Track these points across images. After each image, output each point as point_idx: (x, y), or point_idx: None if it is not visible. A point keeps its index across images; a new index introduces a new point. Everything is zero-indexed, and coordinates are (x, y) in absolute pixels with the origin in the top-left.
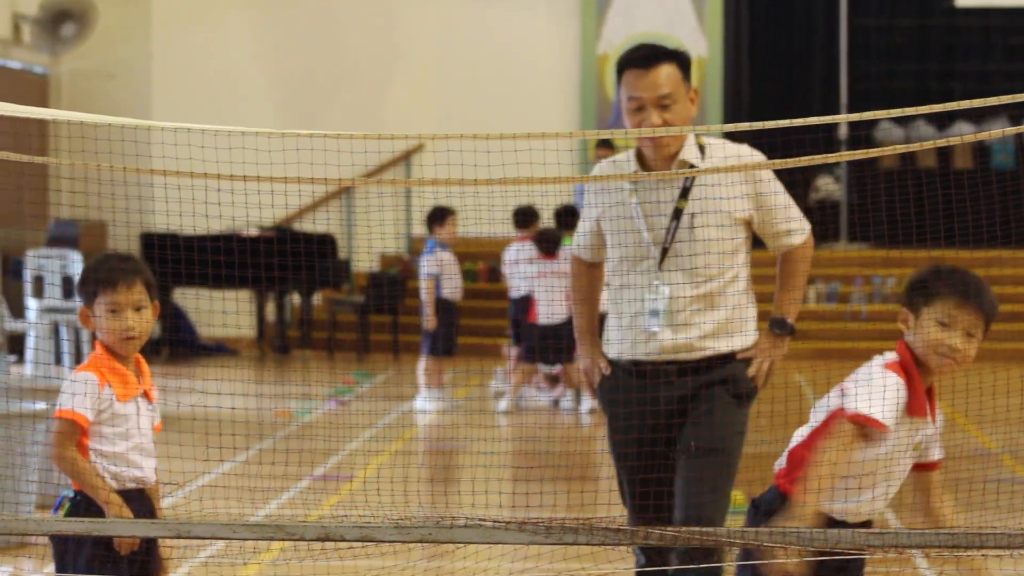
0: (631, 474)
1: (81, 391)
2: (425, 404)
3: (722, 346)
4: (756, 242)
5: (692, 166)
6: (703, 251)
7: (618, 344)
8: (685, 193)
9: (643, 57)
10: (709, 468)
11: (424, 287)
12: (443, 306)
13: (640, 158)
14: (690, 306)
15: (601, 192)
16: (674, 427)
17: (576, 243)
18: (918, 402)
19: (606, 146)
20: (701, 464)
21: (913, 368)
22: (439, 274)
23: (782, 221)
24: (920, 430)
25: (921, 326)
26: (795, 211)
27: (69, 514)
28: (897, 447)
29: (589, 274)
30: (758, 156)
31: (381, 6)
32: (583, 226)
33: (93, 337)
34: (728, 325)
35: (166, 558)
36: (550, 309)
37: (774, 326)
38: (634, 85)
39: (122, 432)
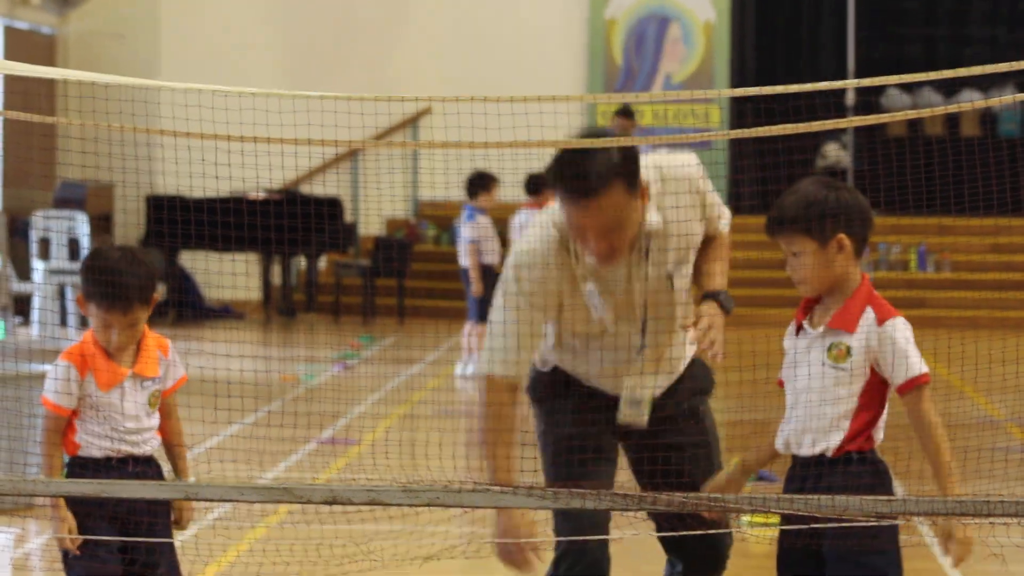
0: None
1: (62, 383)
2: (465, 370)
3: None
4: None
5: (649, 232)
6: (680, 301)
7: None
8: (647, 255)
9: (579, 189)
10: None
11: (466, 252)
12: (484, 272)
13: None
14: (662, 362)
15: (541, 282)
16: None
17: (496, 357)
18: (797, 319)
19: (624, 115)
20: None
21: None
22: (481, 239)
23: (716, 213)
24: (804, 339)
25: None
26: (719, 198)
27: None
28: (789, 364)
29: (512, 400)
30: (683, 158)
31: None
32: (507, 329)
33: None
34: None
35: (188, 508)
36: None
37: (719, 298)
38: (571, 212)
39: (105, 416)
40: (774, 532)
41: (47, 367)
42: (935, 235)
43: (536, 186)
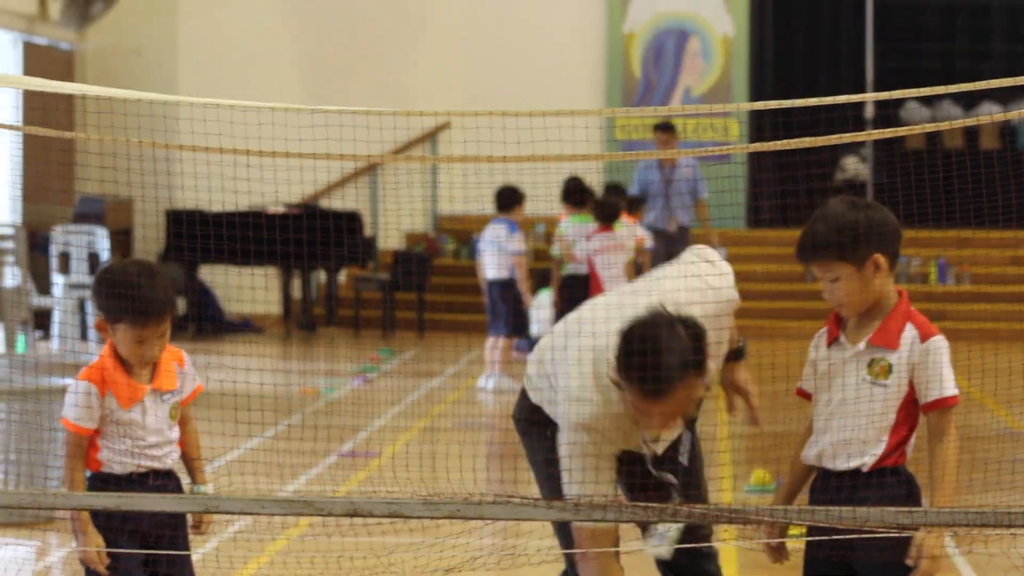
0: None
1: (83, 403)
2: (487, 383)
3: None
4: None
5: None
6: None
7: None
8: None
9: (654, 390)
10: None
11: (515, 264)
12: (510, 285)
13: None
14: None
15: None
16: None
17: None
18: (829, 331)
19: (664, 130)
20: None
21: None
22: (524, 252)
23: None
24: (842, 353)
25: None
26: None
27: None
28: (823, 376)
29: (614, 547)
30: (723, 289)
31: None
32: (598, 487)
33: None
34: None
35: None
36: (612, 283)
37: (741, 356)
38: (641, 405)
39: (127, 432)
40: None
41: (68, 381)
42: (954, 248)
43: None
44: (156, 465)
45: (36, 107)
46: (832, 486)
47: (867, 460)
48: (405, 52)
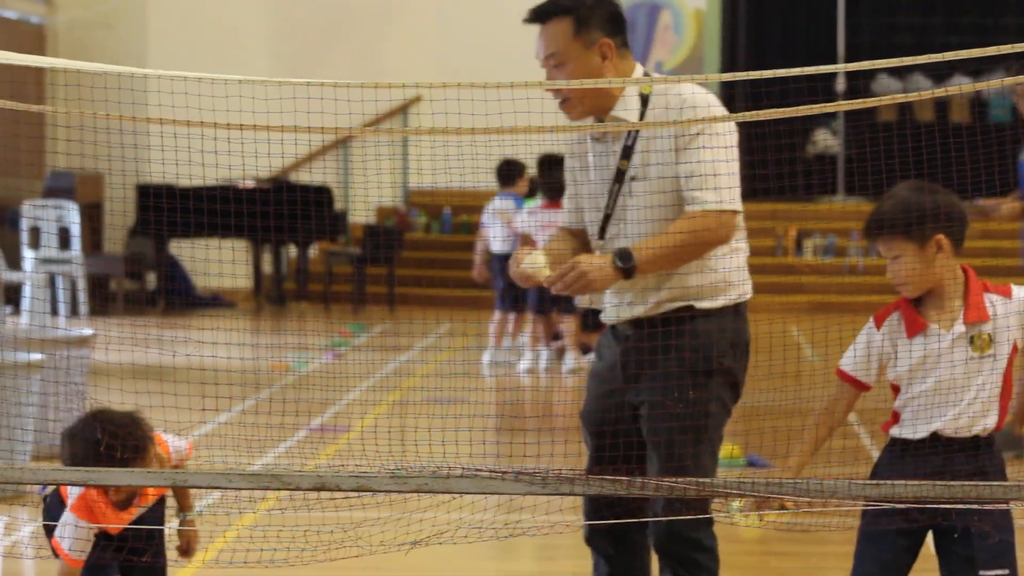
0: (587, 433)
1: (80, 536)
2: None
3: (675, 303)
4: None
5: (619, 121)
6: (646, 218)
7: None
8: (627, 152)
9: (531, 14)
10: (667, 460)
11: (517, 241)
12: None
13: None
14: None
15: (572, 143)
16: (629, 391)
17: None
18: (911, 322)
19: None
20: (663, 462)
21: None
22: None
23: (695, 188)
24: (939, 341)
25: None
26: (718, 182)
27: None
28: (919, 367)
29: (575, 238)
30: (710, 104)
31: None
32: (568, 189)
33: None
34: (682, 282)
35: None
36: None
37: (613, 252)
38: (537, 42)
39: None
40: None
41: (36, 356)
42: None
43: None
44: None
45: (5, 80)
46: (950, 455)
47: (988, 424)
48: (378, 26)
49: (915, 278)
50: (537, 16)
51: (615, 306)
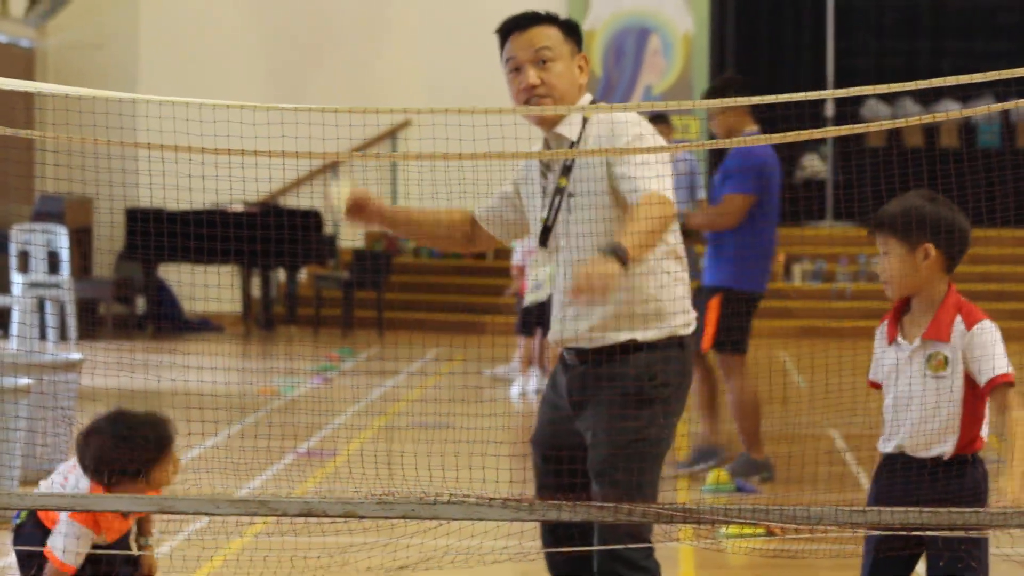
0: (537, 458)
1: (74, 546)
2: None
3: (619, 335)
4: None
5: (572, 143)
6: (585, 233)
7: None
8: (567, 171)
9: (522, 18)
10: (611, 487)
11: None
12: None
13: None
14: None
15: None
16: (576, 420)
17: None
18: (889, 329)
19: (660, 121)
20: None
21: (899, 303)
22: None
23: (626, 178)
24: (902, 352)
25: None
26: (652, 171)
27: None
28: (889, 375)
29: (454, 216)
30: (630, 120)
31: None
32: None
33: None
34: (625, 311)
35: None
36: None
37: (605, 249)
38: (511, 48)
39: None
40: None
41: (24, 381)
42: None
43: None
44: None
45: None
46: (913, 474)
47: (946, 450)
48: (368, 49)
49: (897, 279)
50: (530, 19)
51: (566, 318)
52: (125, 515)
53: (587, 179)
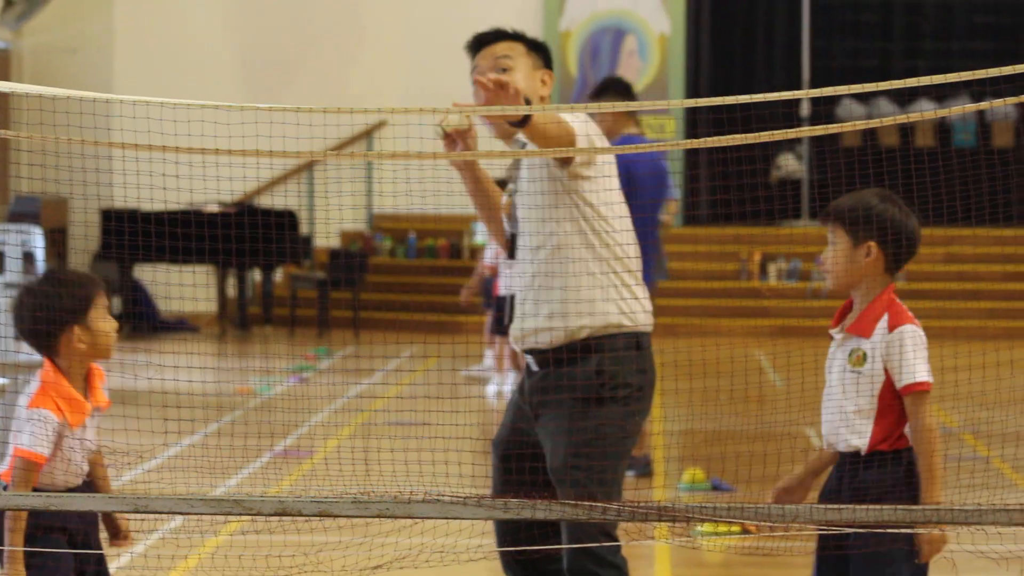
0: (496, 459)
1: (39, 431)
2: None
3: (559, 333)
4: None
5: (524, 144)
6: (527, 221)
7: None
8: (517, 168)
9: (488, 33)
10: (573, 491)
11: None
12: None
13: None
14: (527, 288)
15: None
16: (536, 421)
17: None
18: (833, 320)
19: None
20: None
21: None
22: None
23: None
24: (833, 344)
25: None
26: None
27: None
28: (825, 365)
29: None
30: (576, 120)
31: None
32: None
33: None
34: (566, 306)
35: (125, 530)
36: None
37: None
38: (476, 60)
39: (70, 453)
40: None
41: (0, 380)
42: None
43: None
44: (79, 481)
45: None
46: (834, 472)
47: (861, 444)
48: (344, 50)
49: (836, 270)
50: (496, 35)
51: (519, 318)
52: (85, 396)
53: (534, 179)
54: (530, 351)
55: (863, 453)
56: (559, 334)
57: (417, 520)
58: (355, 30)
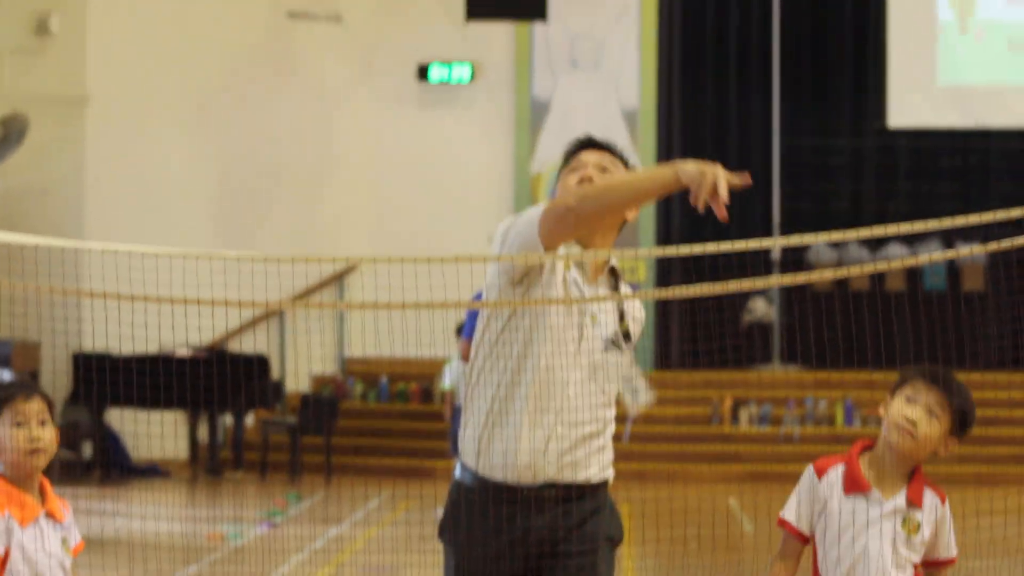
0: None
1: None
2: None
3: (600, 473)
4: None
5: (616, 277)
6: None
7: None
8: (622, 315)
9: (601, 141)
10: None
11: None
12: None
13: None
14: (585, 431)
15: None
16: (548, 558)
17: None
18: (851, 479)
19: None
20: None
21: (857, 450)
22: None
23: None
24: (875, 507)
25: (891, 405)
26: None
27: None
28: (848, 526)
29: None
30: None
31: (317, 123)
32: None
33: None
34: (605, 450)
35: None
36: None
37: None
38: (582, 155)
39: (25, 557)
40: None
41: None
42: (862, 389)
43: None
44: None
45: None
46: None
47: None
48: (315, 195)
49: (924, 443)
50: (606, 145)
51: (540, 452)
52: (39, 500)
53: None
54: (550, 484)
55: None
56: (607, 471)
57: None
58: (325, 172)
